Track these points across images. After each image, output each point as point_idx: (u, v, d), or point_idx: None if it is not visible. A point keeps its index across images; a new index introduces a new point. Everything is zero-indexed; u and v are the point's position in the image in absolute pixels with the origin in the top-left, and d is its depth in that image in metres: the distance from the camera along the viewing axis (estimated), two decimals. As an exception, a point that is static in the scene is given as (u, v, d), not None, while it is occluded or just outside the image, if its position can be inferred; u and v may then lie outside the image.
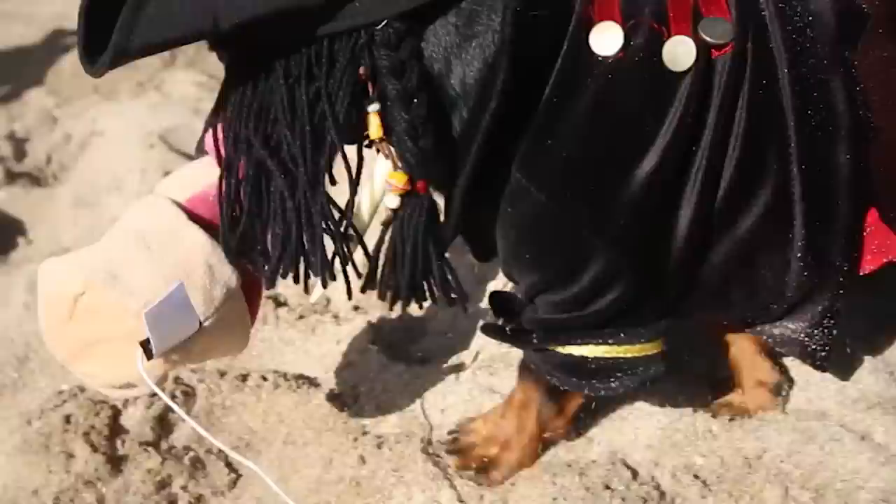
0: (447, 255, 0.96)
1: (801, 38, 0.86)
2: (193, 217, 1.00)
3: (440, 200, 0.98)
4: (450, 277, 0.95)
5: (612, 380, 1.01)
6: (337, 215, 0.91)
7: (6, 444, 1.35)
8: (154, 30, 0.80)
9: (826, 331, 1.03)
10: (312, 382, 1.45)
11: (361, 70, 0.87)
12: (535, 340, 1.04)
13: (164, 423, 1.37)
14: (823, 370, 1.09)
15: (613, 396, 1.13)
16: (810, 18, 0.86)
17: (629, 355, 0.99)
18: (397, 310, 1.06)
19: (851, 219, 0.93)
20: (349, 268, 0.94)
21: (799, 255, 0.94)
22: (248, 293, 1.04)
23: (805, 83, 0.86)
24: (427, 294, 0.96)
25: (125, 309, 0.95)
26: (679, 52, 0.86)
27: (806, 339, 1.04)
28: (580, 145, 0.90)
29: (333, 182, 0.91)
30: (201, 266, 0.97)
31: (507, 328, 1.09)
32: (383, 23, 0.85)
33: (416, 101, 0.87)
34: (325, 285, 0.92)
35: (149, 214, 1.01)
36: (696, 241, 0.94)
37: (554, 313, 1.00)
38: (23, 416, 1.40)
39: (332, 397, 1.41)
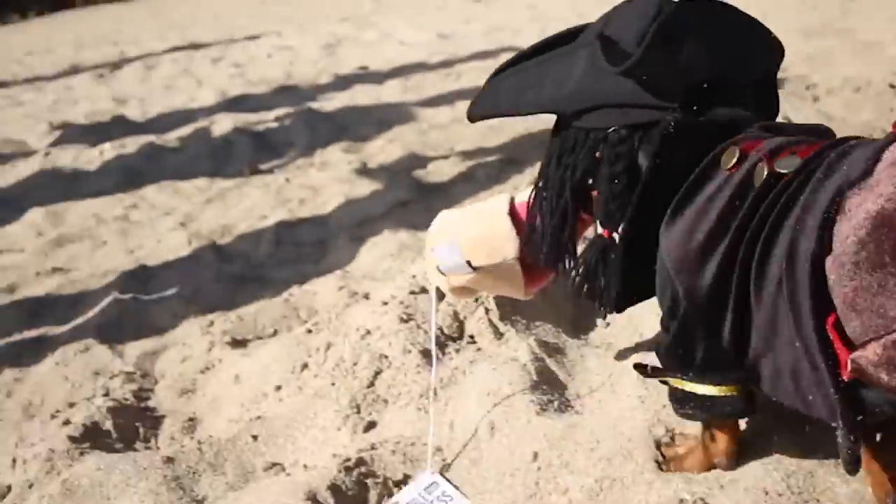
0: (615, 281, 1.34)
1: (826, 180, 1.08)
2: (514, 213, 1.54)
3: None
4: (606, 293, 1.36)
5: (690, 408, 1.33)
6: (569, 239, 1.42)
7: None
8: (488, 109, 1.46)
9: (843, 432, 1.07)
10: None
11: (597, 154, 1.32)
12: (654, 373, 1.39)
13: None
14: (850, 473, 1.11)
15: (699, 421, 1.40)
16: (844, 168, 1.07)
17: (709, 393, 1.29)
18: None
19: (814, 317, 1.05)
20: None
21: (797, 343, 1.08)
22: (534, 270, 1.55)
23: (806, 206, 1.09)
24: (594, 300, 1.39)
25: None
26: (759, 173, 1.15)
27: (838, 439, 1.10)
28: (690, 225, 1.20)
29: (567, 218, 1.41)
30: (496, 241, 1.53)
31: (648, 368, 1.43)
32: (613, 128, 1.29)
33: (616, 181, 1.30)
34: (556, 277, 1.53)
35: (497, 202, 1.58)
36: (741, 314, 1.17)
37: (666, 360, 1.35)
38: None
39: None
